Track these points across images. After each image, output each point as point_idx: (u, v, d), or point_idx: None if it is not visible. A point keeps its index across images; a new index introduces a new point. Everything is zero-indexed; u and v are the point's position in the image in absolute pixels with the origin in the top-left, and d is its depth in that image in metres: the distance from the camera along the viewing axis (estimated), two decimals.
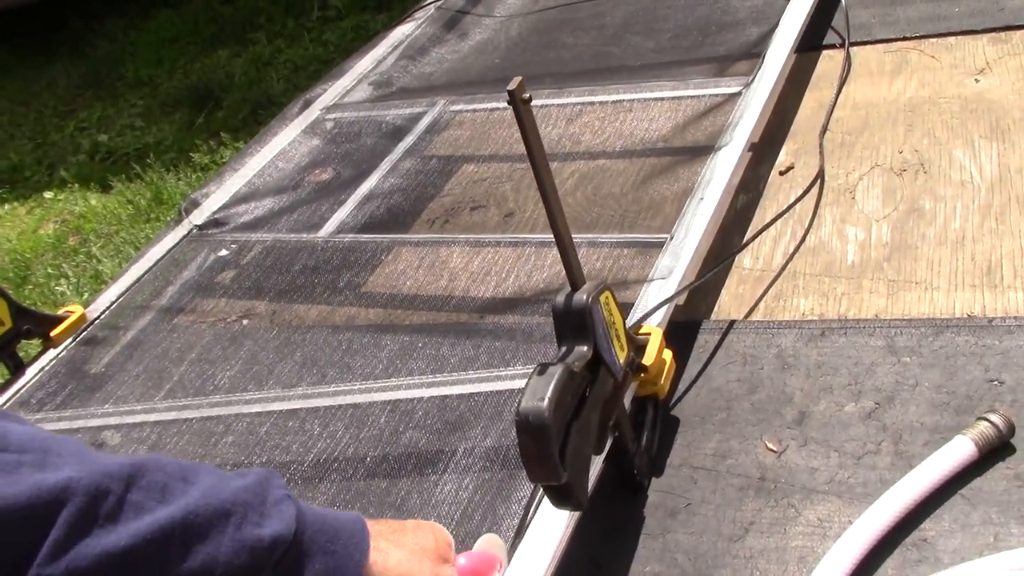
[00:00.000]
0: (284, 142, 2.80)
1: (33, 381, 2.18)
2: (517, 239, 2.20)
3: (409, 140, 2.66)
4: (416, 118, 2.74)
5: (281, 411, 1.92)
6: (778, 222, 2.15)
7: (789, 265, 2.05)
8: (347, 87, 3.02)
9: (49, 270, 3.87)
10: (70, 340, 2.26)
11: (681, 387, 1.86)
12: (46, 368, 2.20)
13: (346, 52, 4.58)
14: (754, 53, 2.58)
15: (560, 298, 1.49)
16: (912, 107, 2.38)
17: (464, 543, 1.57)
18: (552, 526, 1.50)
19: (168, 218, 3.70)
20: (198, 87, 4.84)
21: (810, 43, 2.70)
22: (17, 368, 2.21)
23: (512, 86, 1.37)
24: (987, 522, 1.47)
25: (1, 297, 2.12)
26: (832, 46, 2.71)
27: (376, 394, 1.88)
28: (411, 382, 1.88)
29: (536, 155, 1.41)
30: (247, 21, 5.35)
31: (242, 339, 2.17)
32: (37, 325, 2.22)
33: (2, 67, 5.92)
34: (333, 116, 2.90)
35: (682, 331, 1.94)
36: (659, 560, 1.57)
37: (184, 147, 4.43)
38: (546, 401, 1.36)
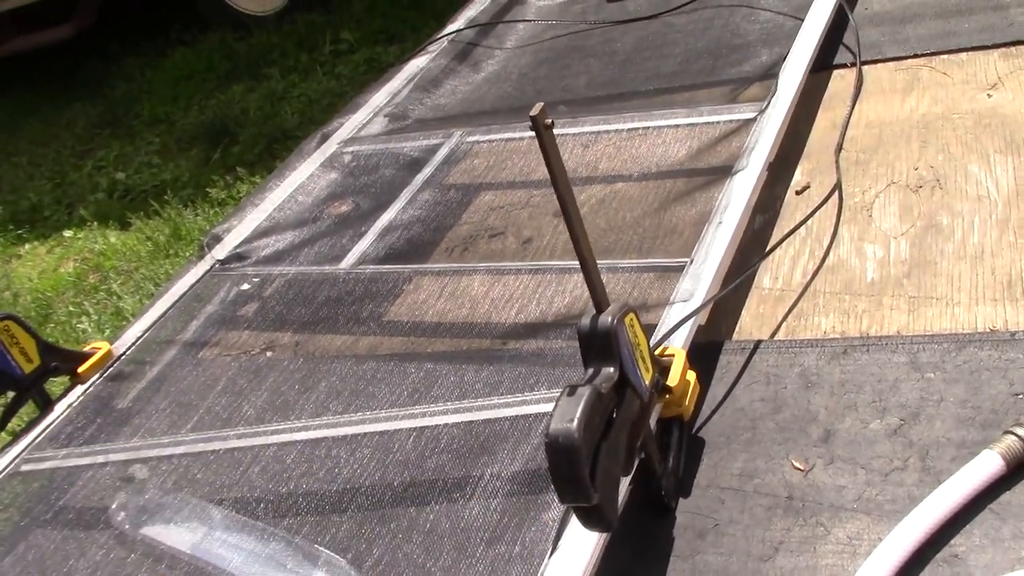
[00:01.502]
0: (303, 176, 2.83)
1: (62, 417, 2.20)
2: (537, 266, 2.22)
3: (427, 171, 2.69)
4: (433, 149, 2.78)
5: (307, 440, 1.94)
6: (796, 242, 2.17)
7: (809, 284, 2.06)
8: (363, 120, 3.06)
9: (71, 308, 3.90)
10: (97, 376, 2.29)
11: (705, 408, 1.87)
12: (74, 404, 2.23)
13: (359, 85, 4.63)
14: (766, 75, 2.60)
15: (585, 320, 1.50)
16: (925, 124, 2.40)
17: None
18: (581, 548, 1.51)
19: (187, 254, 3.73)
20: (214, 123, 4.89)
21: (821, 63, 2.72)
22: (46, 404, 2.24)
23: (534, 112, 1.40)
24: (1018, 536, 1.47)
25: (29, 335, 2.15)
26: (843, 65, 2.73)
27: (401, 421, 1.90)
28: (436, 409, 1.89)
29: (559, 179, 1.43)
30: (261, 57, 5.41)
31: (266, 371, 2.19)
32: (64, 362, 2.25)
33: (22, 108, 5.99)
34: (350, 149, 2.93)
35: (704, 352, 1.95)
36: None
37: (201, 183, 4.46)
38: (575, 422, 1.37)
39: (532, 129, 1.40)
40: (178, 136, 5.14)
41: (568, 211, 1.46)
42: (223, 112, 5.08)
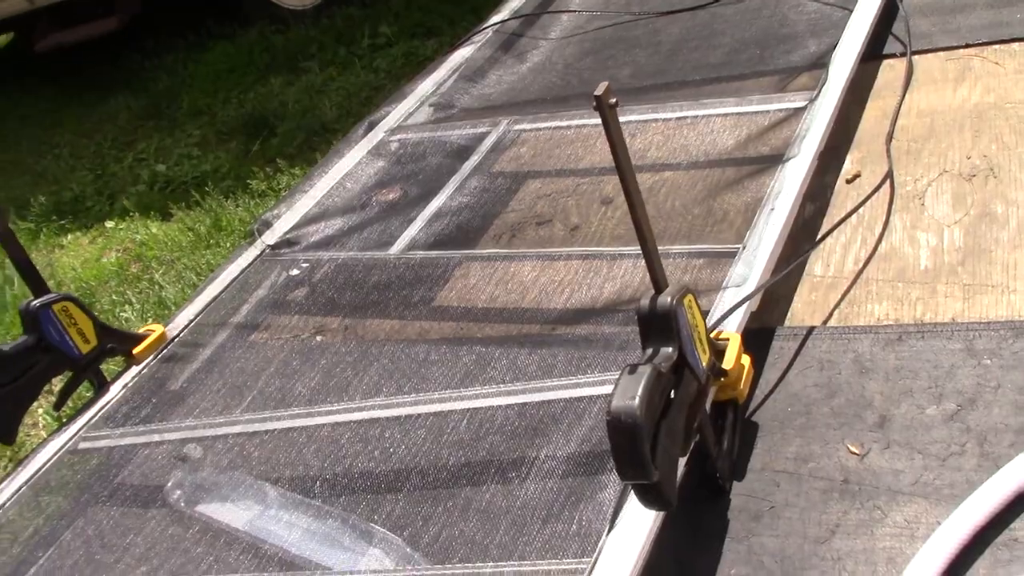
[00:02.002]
0: (351, 163, 2.86)
1: (117, 397, 2.23)
2: (587, 252, 2.23)
3: (474, 159, 2.71)
4: (480, 138, 2.79)
5: (361, 420, 1.96)
6: (847, 230, 2.16)
7: (861, 271, 2.05)
8: (410, 109, 3.08)
9: (114, 297, 3.95)
10: (152, 357, 2.32)
11: (758, 393, 1.87)
12: (129, 384, 2.26)
13: (397, 78, 4.66)
14: (815, 65, 2.59)
15: (645, 301, 1.51)
16: (978, 113, 2.38)
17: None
18: (638, 527, 1.52)
19: (228, 244, 3.77)
20: (253, 116, 4.93)
21: (871, 53, 2.71)
22: (101, 385, 2.27)
23: (599, 91, 1.40)
24: None
25: (87, 316, 2.18)
26: (893, 55, 2.72)
27: (455, 403, 1.91)
28: (489, 391, 1.91)
29: (622, 158, 1.44)
30: (299, 51, 5.45)
31: (318, 353, 2.22)
32: (120, 343, 2.29)
33: (64, 101, 6.08)
34: (397, 137, 2.96)
35: (756, 338, 1.95)
36: (745, 563, 1.58)
37: (241, 174, 4.50)
38: (637, 400, 1.38)
39: (596, 108, 1.41)
40: (218, 128, 5.19)
41: (630, 191, 1.47)
42: (262, 105, 5.12)
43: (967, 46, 2.64)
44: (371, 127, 3.01)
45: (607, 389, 1.70)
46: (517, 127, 2.82)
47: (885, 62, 2.72)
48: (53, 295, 2.13)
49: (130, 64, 6.20)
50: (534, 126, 2.80)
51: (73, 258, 4.58)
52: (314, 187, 2.77)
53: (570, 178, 2.59)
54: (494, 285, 2.25)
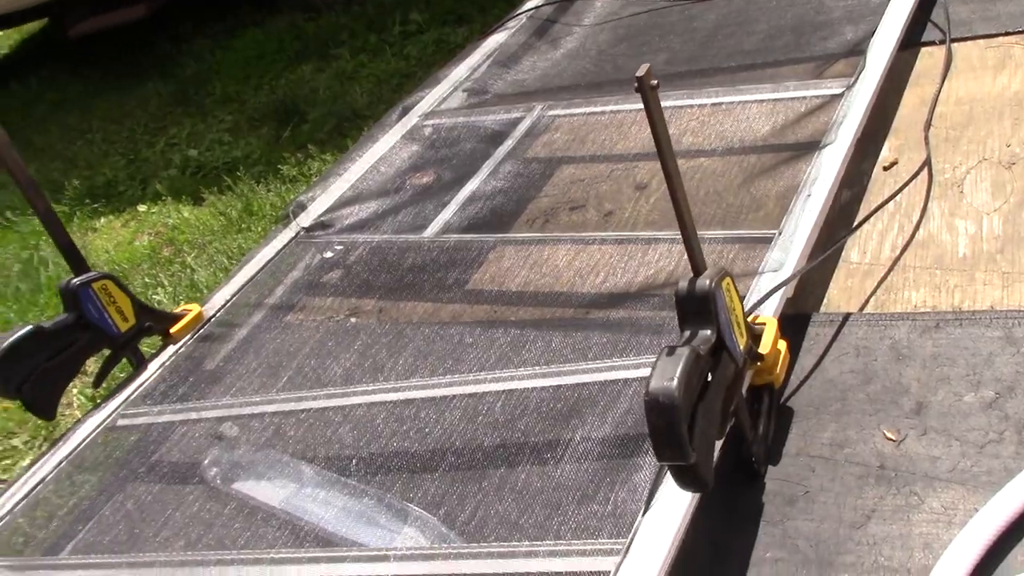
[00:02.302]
0: (385, 148, 2.88)
1: (155, 375, 2.26)
2: (621, 236, 2.23)
3: (508, 144, 2.72)
4: (514, 123, 2.80)
5: (397, 401, 1.97)
6: (884, 217, 2.15)
7: (898, 258, 2.04)
8: (443, 94, 3.10)
9: (146, 279, 3.99)
10: (188, 337, 2.35)
11: (793, 379, 1.87)
12: (166, 363, 2.29)
13: (427, 65, 4.66)
14: (853, 52, 2.58)
15: (683, 283, 1.51)
16: (1018, 101, 2.36)
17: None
18: (674, 509, 1.52)
19: (259, 229, 3.80)
20: (284, 102, 4.95)
21: (909, 40, 2.69)
22: (139, 363, 2.30)
23: (640, 72, 1.41)
24: None
25: (125, 294, 2.21)
26: (931, 43, 2.70)
27: (490, 384, 1.92)
28: (524, 373, 1.91)
29: (662, 140, 1.44)
30: (330, 37, 5.47)
31: (353, 335, 2.23)
32: (158, 322, 2.31)
33: (96, 87, 6.13)
34: (431, 122, 2.97)
35: (792, 324, 1.94)
36: (780, 546, 1.58)
37: (272, 160, 4.53)
38: (675, 381, 1.39)
39: (637, 90, 1.42)
40: (249, 115, 5.22)
41: (670, 172, 1.47)
42: (293, 92, 5.15)
43: (1007, 34, 2.61)
44: (405, 112, 3.02)
45: (642, 372, 1.72)
46: (551, 113, 2.82)
47: (924, 49, 2.70)
48: (93, 273, 2.16)
49: (160, 51, 6.25)
50: (568, 112, 2.81)
51: (106, 241, 4.62)
52: (348, 170, 2.79)
53: (604, 164, 2.59)
54: (528, 268, 2.26)
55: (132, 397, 2.22)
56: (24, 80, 6.57)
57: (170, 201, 4.66)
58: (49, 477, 2.10)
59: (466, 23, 5.09)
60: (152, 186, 4.82)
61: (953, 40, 2.64)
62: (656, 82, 1.42)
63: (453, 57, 3.70)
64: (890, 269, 2.02)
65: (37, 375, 2.09)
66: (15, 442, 2.93)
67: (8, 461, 2.86)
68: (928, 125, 2.35)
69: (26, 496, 2.06)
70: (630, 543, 1.49)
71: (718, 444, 1.60)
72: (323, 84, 5.09)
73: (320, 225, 2.64)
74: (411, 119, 2.99)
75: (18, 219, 4.71)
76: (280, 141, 4.82)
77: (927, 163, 2.21)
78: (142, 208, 4.76)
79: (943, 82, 2.50)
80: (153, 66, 6.17)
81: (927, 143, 2.29)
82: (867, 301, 1.97)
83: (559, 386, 1.86)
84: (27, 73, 6.70)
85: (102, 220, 4.81)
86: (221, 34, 6.11)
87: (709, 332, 1.50)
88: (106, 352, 2.24)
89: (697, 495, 1.53)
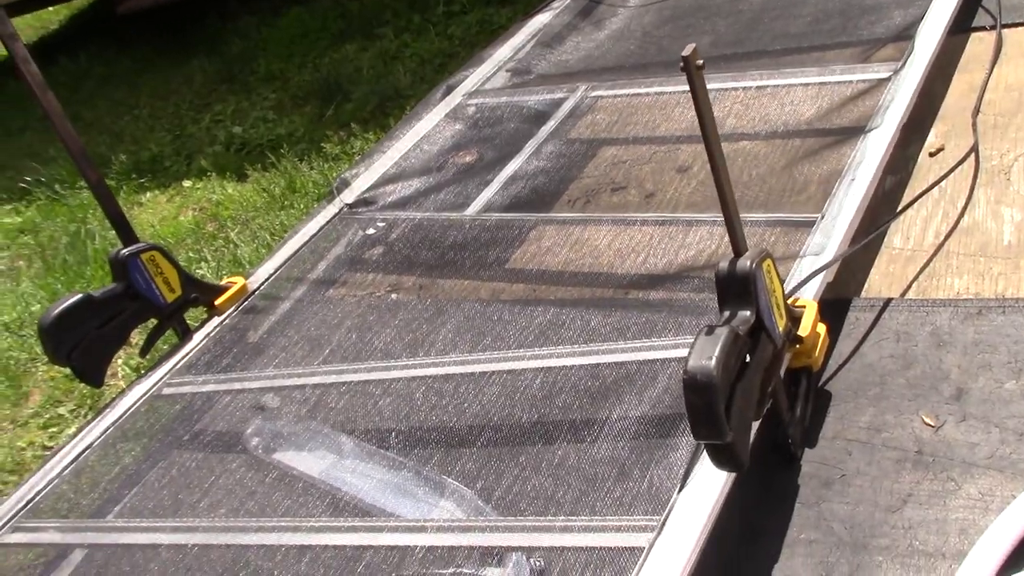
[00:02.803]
0: (428, 126, 2.90)
1: (200, 346, 2.31)
2: (662, 218, 2.23)
3: (551, 124, 2.73)
4: (558, 103, 2.81)
5: (436, 376, 2.00)
6: (928, 203, 2.14)
7: (942, 245, 2.03)
8: (487, 74, 3.11)
9: (190, 254, 4.05)
10: (233, 309, 2.39)
11: (832, 363, 1.86)
12: (211, 334, 2.33)
13: (471, 46, 4.67)
14: (901, 36, 2.55)
15: (724, 263, 1.52)
16: None
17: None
18: (710, 487, 1.53)
19: (302, 206, 3.84)
20: (327, 81, 4.99)
21: (959, 26, 2.65)
22: (185, 334, 2.35)
23: (687, 52, 1.41)
24: None
25: (172, 266, 2.25)
26: (981, 28, 2.66)
27: (528, 361, 1.94)
28: (563, 351, 1.93)
29: (706, 120, 1.44)
30: (374, 17, 5.49)
31: (394, 310, 2.26)
32: (203, 294, 2.35)
33: (143, 64, 6.22)
34: (475, 102, 2.99)
35: (832, 308, 1.94)
36: (815, 528, 1.58)
37: (315, 138, 4.57)
38: (714, 360, 1.39)
39: (683, 70, 1.42)
40: (292, 93, 5.26)
41: (713, 152, 1.47)
42: (336, 70, 5.17)
43: None
44: (449, 91, 3.04)
45: (680, 353, 1.72)
46: (594, 94, 2.82)
47: (974, 35, 2.67)
48: (141, 244, 2.20)
49: (206, 29, 6.31)
50: (611, 93, 2.81)
51: (152, 215, 4.69)
52: (392, 148, 2.82)
53: (646, 145, 2.59)
54: (568, 248, 2.27)
55: (177, 367, 2.26)
56: (73, 55, 6.66)
57: (214, 177, 4.72)
58: (95, 444, 2.16)
59: (510, 3, 5.09)
60: (197, 162, 4.88)
61: (1004, 26, 2.60)
62: (702, 62, 1.42)
63: (497, 37, 3.70)
64: (933, 255, 2.01)
65: (86, 343, 2.14)
66: (61, 411, 3.00)
67: (55, 429, 2.93)
68: (976, 111, 2.32)
69: (73, 462, 2.12)
70: (665, 520, 1.50)
71: (755, 425, 1.61)
72: (366, 63, 5.12)
73: (363, 202, 2.67)
74: (455, 98, 3.00)
75: (67, 192, 4.79)
76: (323, 119, 4.86)
77: (974, 149, 2.19)
78: (187, 183, 4.83)
79: (992, 68, 2.47)
80: (199, 44, 6.24)
81: (975, 130, 2.26)
82: (909, 287, 1.96)
83: (597, 364, 1.88)
84: (76, 48, 6.80)
85: (147, 195, 4.87)
86: (267, 12, 6.16)
87: (749, 313, 1.50)
88: (152, 322, 2.29)
89: (733, 475, 1.54)
